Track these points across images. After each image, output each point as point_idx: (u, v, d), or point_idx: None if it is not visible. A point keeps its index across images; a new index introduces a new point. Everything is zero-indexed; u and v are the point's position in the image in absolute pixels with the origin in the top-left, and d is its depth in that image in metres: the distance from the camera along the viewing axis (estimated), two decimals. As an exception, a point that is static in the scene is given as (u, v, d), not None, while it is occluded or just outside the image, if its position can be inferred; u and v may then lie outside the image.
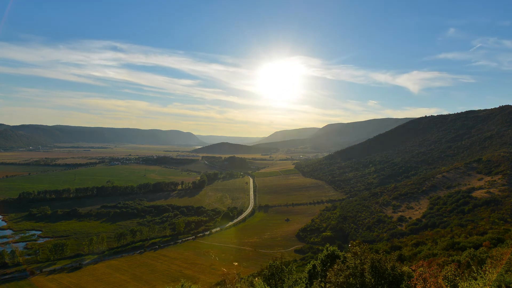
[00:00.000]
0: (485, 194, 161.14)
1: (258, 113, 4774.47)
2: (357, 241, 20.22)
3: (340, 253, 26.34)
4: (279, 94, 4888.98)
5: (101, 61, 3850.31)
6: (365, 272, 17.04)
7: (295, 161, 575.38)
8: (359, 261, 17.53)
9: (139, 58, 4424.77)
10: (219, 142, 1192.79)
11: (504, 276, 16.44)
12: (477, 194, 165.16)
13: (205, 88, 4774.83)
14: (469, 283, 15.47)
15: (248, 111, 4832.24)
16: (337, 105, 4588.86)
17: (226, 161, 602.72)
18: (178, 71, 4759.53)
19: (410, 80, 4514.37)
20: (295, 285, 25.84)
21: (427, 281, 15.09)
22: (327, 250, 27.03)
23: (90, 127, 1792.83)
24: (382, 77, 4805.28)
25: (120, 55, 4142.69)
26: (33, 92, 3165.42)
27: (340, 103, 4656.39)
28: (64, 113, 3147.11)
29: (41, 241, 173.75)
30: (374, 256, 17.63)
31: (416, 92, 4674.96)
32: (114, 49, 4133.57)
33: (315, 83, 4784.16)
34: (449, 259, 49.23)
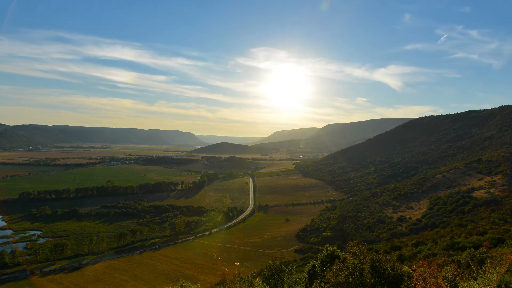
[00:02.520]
0: (485, 194, 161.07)
1: (248, 112, 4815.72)
2: (355, 241, 20.18)
3: (340, 253, 26.32)
4: (263, 92, 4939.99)
5: (60, 55, 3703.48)
6: (365, 272, 17.00)
7: (295, 161, 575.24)
8: (358, 261, 17.48)
9: (94, 51, 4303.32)
10: (219, 142, 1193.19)
11: (504, 276, 16.40)
12: (477, 194, 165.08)
13: (184, 85, 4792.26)
14: (469, 283, 15.44)
15: (239, 110, 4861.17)
16: (325, 103, 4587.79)
17: (226, 161, 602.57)
18: (144, 66, 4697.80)
19: (389, 76, 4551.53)
20: (294, 285, 25.81)
21: (427, 281, 15.06)
22: (327, 250, 27.03)
23: (90, 127, 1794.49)
24: (358, 71, 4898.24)
25: (72, 47, 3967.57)
26: (5, 89, 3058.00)
27: (327, 101, 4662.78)
28: (50, 112, 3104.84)
29: (41, 241, 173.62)
30: (373, 256, 17.59)
31: (399, 89, 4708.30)
32: (62, 40, 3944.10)
33: (293, 79, 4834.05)
34: (449, 259, 49.18)
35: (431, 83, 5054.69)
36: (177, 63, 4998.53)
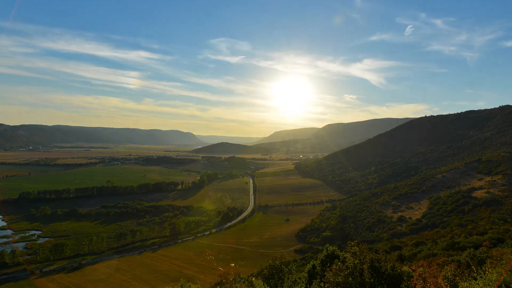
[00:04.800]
0: (485, 194, 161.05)
1: (240, 111, 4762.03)
2: (355, 241, 20.16)
3: (340, 253, 26.31)
4: (248, 89, 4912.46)
5: (17, 48, 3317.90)
6: (364, 272, 16.97)
7: (295, 161, 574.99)
8: (358, 261, 17.46)
9: (47, 43, 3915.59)
10: (219, 142, 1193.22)
11: (504, 276, 16.38)
12: (477, 194, 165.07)
13: (161, 82, 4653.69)
14: (469, 283, 15.42)
15: (229, 108, 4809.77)
16: (316, 102, 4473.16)
17: (226, 161, 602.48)
18: (108, 60, 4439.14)
19: (369, 71, 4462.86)
20: (294, 285, 25.79)
21: (427, 281, 15.05)
22: (327, 250, 27.03)
23: (90, 127, 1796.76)
24: (333, 66, 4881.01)
25: (21, 39, 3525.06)
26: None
27: (316, 99, 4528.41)
28: (37, 111, 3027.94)
29: (41, 241, 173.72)
30: (373, 256, 17.56)
31: (383, 86, 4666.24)
32: (4, 30, 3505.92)
33: (267, 74, 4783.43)
34: (449, 259, 49.13)
35: (415, 79, 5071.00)
36: (141, 56, 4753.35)
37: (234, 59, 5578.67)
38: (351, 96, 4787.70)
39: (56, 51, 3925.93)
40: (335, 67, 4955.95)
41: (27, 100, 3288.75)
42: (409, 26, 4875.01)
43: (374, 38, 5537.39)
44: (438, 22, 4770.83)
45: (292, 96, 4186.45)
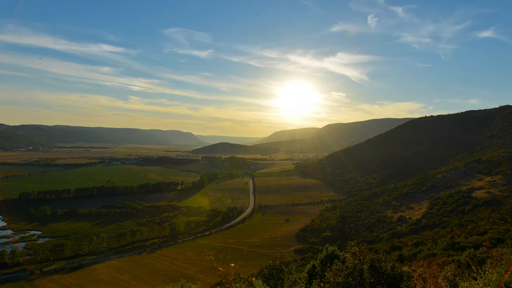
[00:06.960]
0: (485, 194, 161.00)
1: (233, 110, 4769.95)
2: (355, 241, 20.15)
3: (340, 253, 26.29)
4: (231, 86, 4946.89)
5: None
6: (364, 272, 16.95)
7: (295, 161, 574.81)
8: (358, 261, 17.44)
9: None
10: (219, 142, 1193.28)
11: (503, 276, 16.36)
12: (477, 194, 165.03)
13: (138, 78, 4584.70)
14: (469, 283, 15.40)
15: (220, 107, 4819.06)
16: (307, 100, 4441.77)
17: (226, 161, 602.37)
18: (68, 54, 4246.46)
19: (345, 66, 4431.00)
20: (294, 285, 25.77)
21: (427, 281, 15.04)
22: (327, 250, 26.99)
23: (90, 127, 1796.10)
24: (305, 60, 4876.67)
25: None
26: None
27: (306, 97, 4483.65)
28: (36, 111, 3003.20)
29: (41, 241, 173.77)
30: (373, 256, 17.54)
31: (365, 83, 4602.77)
32: None
33: (245, 71, 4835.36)
34: (449, 259, 49.12)
35: (399, 75, 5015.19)
36: (105, 50, 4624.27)
37: (202, 54, 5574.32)
38: (339, 93, 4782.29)
39: (11, 44, 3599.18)
40: (307, 61, 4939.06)
41: (10, 98, 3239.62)
42: (370, 16, 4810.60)
43: (336, 28, 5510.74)
44: (399, 10, 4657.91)
45: (282, 94, 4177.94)
